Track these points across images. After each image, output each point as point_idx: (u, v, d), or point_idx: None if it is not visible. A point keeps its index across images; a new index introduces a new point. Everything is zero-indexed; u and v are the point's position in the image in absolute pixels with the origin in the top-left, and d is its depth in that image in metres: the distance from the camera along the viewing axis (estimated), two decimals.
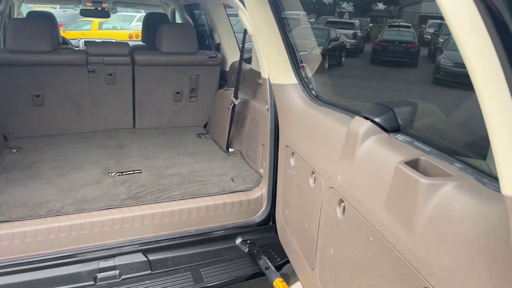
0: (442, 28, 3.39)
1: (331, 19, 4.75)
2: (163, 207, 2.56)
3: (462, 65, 0.84)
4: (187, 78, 3.81)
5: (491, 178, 1.08)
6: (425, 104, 1.93)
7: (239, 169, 3.11)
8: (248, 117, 3.25)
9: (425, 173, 1.20)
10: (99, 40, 6.13)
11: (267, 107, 2.71)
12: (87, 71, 3.47)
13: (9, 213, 2.33)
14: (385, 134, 1.55)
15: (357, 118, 1.65)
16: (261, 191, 2.80)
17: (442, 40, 3.37)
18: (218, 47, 4.25)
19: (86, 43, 6.07)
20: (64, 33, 15.10)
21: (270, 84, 2.54)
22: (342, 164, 1.68)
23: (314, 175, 1.97)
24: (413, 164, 1.27)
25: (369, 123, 1.57)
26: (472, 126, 1.51)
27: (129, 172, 2.97)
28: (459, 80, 2.54)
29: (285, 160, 2.39)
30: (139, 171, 3.00)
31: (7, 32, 3.15)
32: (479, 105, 0.82)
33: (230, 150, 3.48)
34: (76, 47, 5.95)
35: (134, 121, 3.92)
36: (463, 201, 1.05)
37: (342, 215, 1.65)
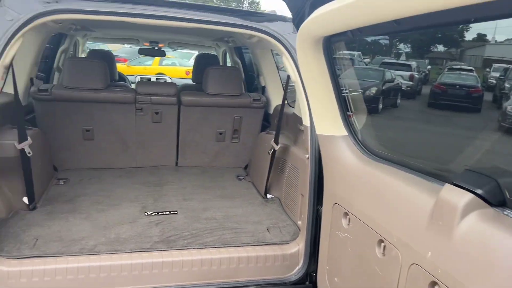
0: (509, 72, 3.13)
1: (386, 60, 4.58)
2: (193, 255, 2.48)
3: None
4: (231, 119, 3.81)
5: None
6: None
7: (276, 218, 2.97)
8: (288, 164, 3.14)
9: None
10: (154, 78, 6.45)
11: (307, 156, 2.59)
12: (135, 109, 3.59)
13: (44, 248, 2.36)
14: (490, 209, 1.35)
15: (450, 187, 1.44)
16: (298, 246, 2.63)
17: (508, 86, 3.10)
18: (263, 90, 4.26)
19: (142, 79, 6.41)
20: (128, 67, 16.22)
21: (313, 133, 2.43)
22: (432, 239, 1.47)
23: (383, 244, 1.75)
24: None
25: (470, 195, 1.36)
26: None
27: (165, 213, 2.95)
28: None
29: (333, 219, 2.20)
30: (175, 212, 2.96)
31: (64, 69, 3.36)
32: None
33: (268, 196, 3.36)
34: (132, 83, 6.27)
35: (177, 159, 3.96)
36: None
37: None
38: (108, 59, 4.54)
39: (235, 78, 3.74)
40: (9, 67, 2.37)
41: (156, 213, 2.92)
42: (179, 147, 3.87)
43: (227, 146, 3.94)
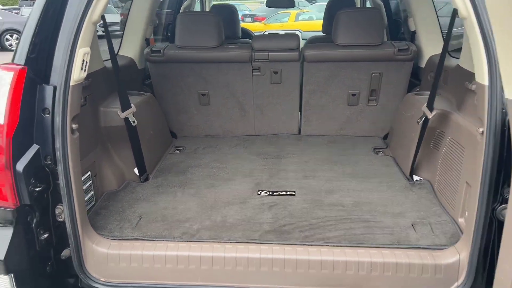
0: None
1: None
2: (311, 253, 1.93)
3: None
4: (367, 77, 3.02)
5: None
6: None
7: (425, 211, 2.19)
8: (446, 137, 2.27)
9: None
10: (282, 33, 5.84)
11: (481, 129, 1.71)
12: (251, 68, 3.10)
13: (145, 229, 2.12)
14: None
15: None
16: (459, 254, 1.84)
17: None
18: (412, 37, 3.26)
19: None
20: (265, 25, 16.04)
21: (494, 95, 1.57)
22: None
23: None
24: None
25: None
26: None
27: (280, 193, 2.45)
28: None
29: None
30: (293, 193, 2.44)
31: (176, 27, 3.04)
32: None
33: (415, 178, 2.55)
34: None
35: (300, 126, 3.39)
36: None
37: None
38: (229, 13, 4.12)
39: (374, 22, 2.89)
40: (104, 24, 2.09)
41: (270, 193, 2.45)
42: (302, 112, 3.28)
43: (362, 110, 3.19)
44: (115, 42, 2.85)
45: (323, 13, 4.24)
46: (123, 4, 16.87)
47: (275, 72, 3.09)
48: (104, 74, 2.46)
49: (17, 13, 18.99)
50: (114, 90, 2.53)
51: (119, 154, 2.58)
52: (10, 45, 15.73)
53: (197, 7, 4.75)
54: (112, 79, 2.47)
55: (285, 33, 5.79)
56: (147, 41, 3.26)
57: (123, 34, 3.14)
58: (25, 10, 21.31)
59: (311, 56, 2.98)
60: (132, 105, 2.39)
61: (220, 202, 2.36)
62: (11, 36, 15.84)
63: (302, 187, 2.51)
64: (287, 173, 2.71)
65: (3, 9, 20.05)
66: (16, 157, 1.72)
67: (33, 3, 1.89)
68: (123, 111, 2.34)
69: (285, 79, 3.11)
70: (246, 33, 5.02)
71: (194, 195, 2.46)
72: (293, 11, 16.85)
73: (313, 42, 3.61)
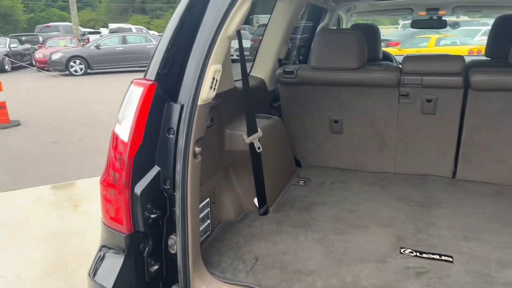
0: None
1: None
2: None
3: None
4: None
5: None
6: None
7: None
8: None
9: None
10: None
11: None
12: (398, 94, 2.61)
13: (261, 276, 1.80)
14: None
15: None
16: None
17: None
18: None
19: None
20: (399, 50, 14.99)
21: None
22: None
23: None
24: None
25: None
26: None
27: (432, 256, 1.90)
28: None
29: None
30: (449, 259, 1.87)
31: (313, 46, 2.74)
32: None
33: None
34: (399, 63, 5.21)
35: (455, 168, 2.75)
36: None
37: None
38: (370, 33, 3.70)
39: None
40: (238, 38, 1.88)
41: (417, 254, 1.92)
42: (461, 151, 2.64)
43: None
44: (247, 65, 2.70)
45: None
46: (255, 30, 17.73)
47: (429, 100, 2.55)
48: (233, 95, 2.28)
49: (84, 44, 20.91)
50: (242, 111, 2.33)
51: (240, 181, 2.35)
52: (75, 71, 17.46)
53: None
54: (241, 101, 2.27)
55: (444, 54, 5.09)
56: (280, 62, 3.05)
57: (256, 54, 2.98)
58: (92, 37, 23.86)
59: (481, 83, 2.36)
60: (258, 129, 2.14)
61: (351, 255, 1.92)
62: (74, 62, 17.52)
63: (462, 251, 1.92)
64: (440, 230, 2.13)
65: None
66: (135, 179, 1.57)
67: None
68: (248, 135, 2.10)
69: (441, 109, 2.54)
70: (387, 57, 4.50)
71: (319, 241, 2.07)
72: (433, 36, 15.47)
73: (476, 65, 2.94)
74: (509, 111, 2.37)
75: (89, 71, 17.70)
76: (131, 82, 1.64)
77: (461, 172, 2.69)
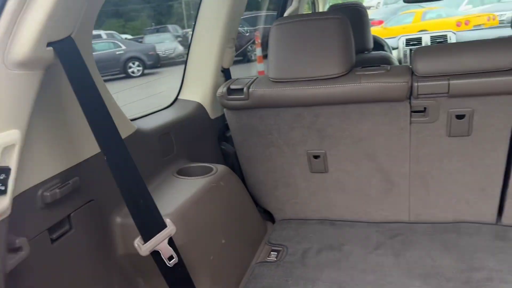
0: None
1: None
2: None
3: None
4: None
5: None
6: None
7: None
8: None
9: None
10: (427, 36, 4.10)
11: None
12: (410, 111, 1.63)
13: None
14: None
15: None
16: None
17: None
18: None
19: (409, 42, 4.21)
20: (384, 29, 14.00)
21: None
22: None
23: None
24: None
25: None
26: None
27: None
28: None
29: None
30: None
31: (269, 48, 1.73)
32: None
33: None
34: (394, 49, 4.20)
35: (500, 212, 1.79)
36: None
37: None
38: (356, 14, 2.69)
39: None
40: None
41: None
42: (509, 183, 1.68)
43: None
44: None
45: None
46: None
47: (459, 116, 1.57)
48: (134, 143, 1.30)
49: (141, 42, 20.20)
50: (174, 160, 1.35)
51: None
52: (133, 72, 16.61)
53: None
54: (152, 150, 1.29)
55: (439, 38, 4.07)
56: (225, 73, 2.05)
57: (185, 68, 1.98)
58: (148, 38, 22.81)
59: None
60: (168, 221, 1.16)
61: None
62: (133, 63, 16.73)
63: None
64: None
65: (128, 39, 21.61)
66: None
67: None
68: (146, 239, 1.11)
69: (481, 127, 1.57)
70: (377, 42, 3.47)
71: None
72: (417, 10, 14.57)
73: None
74: None
75: None
76: None
77: (510, 215, 1.73)
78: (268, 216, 2.16)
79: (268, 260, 1.83)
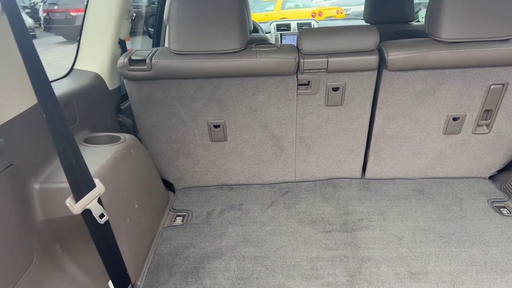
0: None
1: None
2: None
3: None
4: (481, 92, 1.90)
5: None
6: None
7: None
8: None
9: None
10: (295, 23, 4.59)
11: None
12: (297, 84, 1.91)
13: None
14: None
15: None
16: None
17: None
18: None
19: (279, 27, 4.64)
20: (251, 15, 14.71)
21: None
22: None
23: None
24: None
25: None
26: None
27: None
28: None
29: None
30: None
31: (170, 21, 1.80)
32: None
33: None
34: (267, 32, 4.58)
35: (364, 169, 2.25)
36: None
37: None
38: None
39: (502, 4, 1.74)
40: None
41: None
42: (371, 147, 2.13)
43: (464, 141, 2.07)
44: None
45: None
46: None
47: (335, 89, 1.92)
48: (38, 117, 1.25)
49: None
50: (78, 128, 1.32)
51: (78, 260, 1.37)
52: None
53: None
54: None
55: (303, 25, 4.56)
56: (121, 44, 2.03)
57: (79, 37, 1.90)
58: None
59: (400, 61, 1.80)
60: (97, 181, 1.19)
61: None
62: None
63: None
64: (378, 267, 1.58)
65: None
66: None
67: None
68: (77, 198, 1.13)
69: (350, 98, 1.94)
70: (254, 27, 3.77)
71: None
72: None
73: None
74: (429, 93, 1.90)
75: None
76: None
77: (371, 169, 2.19)
78: (168, 186, 2.24)
79: (175, 225, 1.94)
